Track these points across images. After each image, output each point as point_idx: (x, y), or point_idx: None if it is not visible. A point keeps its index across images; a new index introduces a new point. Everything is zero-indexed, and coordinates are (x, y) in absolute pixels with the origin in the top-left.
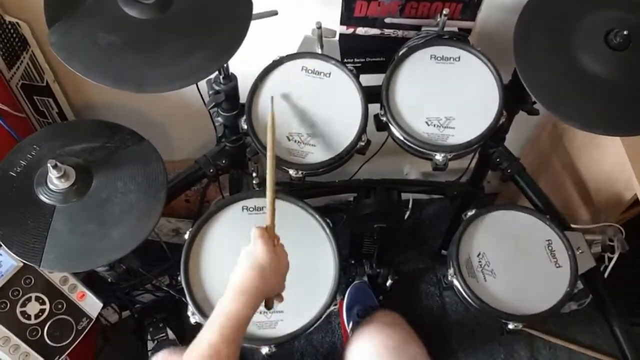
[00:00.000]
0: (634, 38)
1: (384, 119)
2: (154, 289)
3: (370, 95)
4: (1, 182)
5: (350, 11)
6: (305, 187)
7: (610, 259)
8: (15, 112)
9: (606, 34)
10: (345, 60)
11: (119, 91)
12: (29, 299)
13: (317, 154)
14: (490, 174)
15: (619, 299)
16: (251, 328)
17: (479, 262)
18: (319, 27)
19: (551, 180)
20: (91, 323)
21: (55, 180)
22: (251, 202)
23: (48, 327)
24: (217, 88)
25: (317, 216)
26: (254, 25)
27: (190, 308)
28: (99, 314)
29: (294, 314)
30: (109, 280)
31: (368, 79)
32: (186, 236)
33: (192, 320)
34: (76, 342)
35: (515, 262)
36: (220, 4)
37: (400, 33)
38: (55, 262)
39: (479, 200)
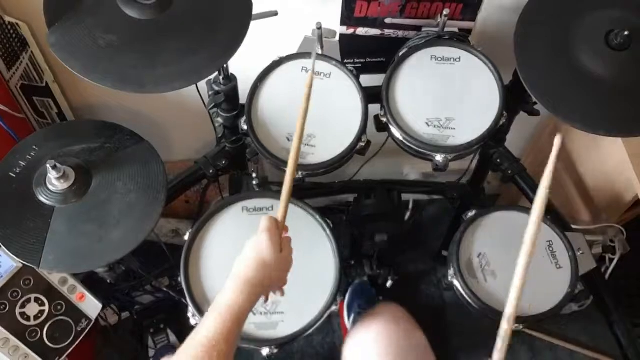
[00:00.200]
0: (635, 38)
1: (384, 119)
2: (153, 290)
3: (371, 95)
4: (0, 182)
5: (351, 11)
6: (305, 187)
7: (611, 260)
8: (14, 113)
9: (607, 34)
10: (345, 60)
11: (118, 92)
12: (29, 300)
13: (317, 155)
14: (490, 175)
15: (619, 300)
16: (251, 329)
17: (480, 262)
18: (319, 28)
19: (552, 180)
20: (91, 324)
21: (55, 181)
22: (251, 203)
23: (47, 328)
24: (217, 89)
25: (317, 217)
26: (254, 25)
27: (190, 309)
28: (99, 315)
29: (294, 314)
30: (109, 281)
31: (368, 80)
32: (186, 237)
33: (193, 321)
34: (76, 344)
35: (515, 263)
36: (220, 5)
37: (400, 33)
38: (54, 263)
39: (479, 201)
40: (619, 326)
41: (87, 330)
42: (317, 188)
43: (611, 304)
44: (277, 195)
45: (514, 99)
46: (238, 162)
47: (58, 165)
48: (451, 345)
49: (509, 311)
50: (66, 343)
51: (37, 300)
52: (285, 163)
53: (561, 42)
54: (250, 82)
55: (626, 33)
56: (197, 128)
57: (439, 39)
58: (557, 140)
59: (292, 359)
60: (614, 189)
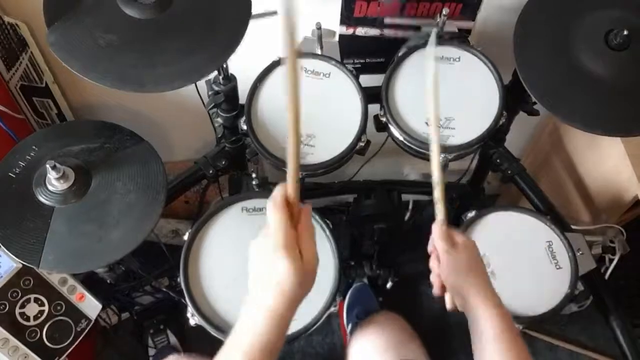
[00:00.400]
0: (634, 38)
1: (384, 119)
2: (153, 290)
3: (370, 95)
4: (0, 183)
5: (350, 11)
6: (305, 187)
7: (611, 260)
8: (14, 114)
9: (606, 34)
10: (345, 60)
11: (118, 91)
12: (28, 300)
13: (316, 155)
14: (490, 175)
15: (619, 300)
16: None
17: None
18: (319, 28)
19: (552, 181)
20: (90, 324)
21: (54, 181)
22: (251, 203)
23: (47, 329)
24: (216, 89)
25: (317, 217)
26: (253, 25)
27: (190, 309)
28: (98, 315)
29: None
30: (108, 281)
31: (368, 80)
32: (185, 237)
33: (192, 321)
34: (75, 344)
35: (515, 264)
36: (219, 4)
37: (400, 33)
38: (54, 263)
39: (479, 201)
40: (619, 326)
41: (86, 331)
42: (316, 188)
43: (611, 304)
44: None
45: (513, 99)
46: (238, 162)
47: (58, 165)
48: (451, 346)
49: (434, 178)
50: (66, 343)
51: (36, 300)
52: (284, 163)
53: (561, 41)
54: (250, 82)
55: (625, 33)
56: (197, 128)
57: (438, 39)
58: None
59: (292, 359)
60: (614, 189)
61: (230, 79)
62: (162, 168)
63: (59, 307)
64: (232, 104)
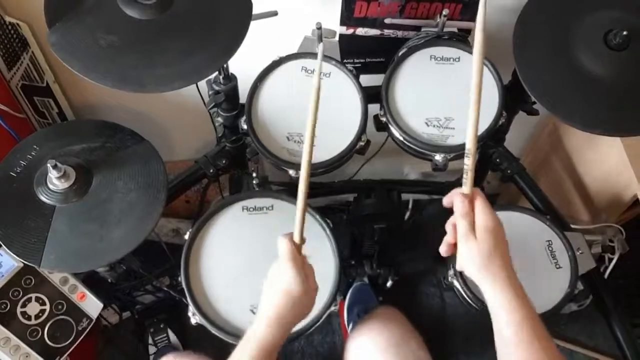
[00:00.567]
0: (634, 38)
1: (384, 119)
2: (154, 289)
3: (370, 95)
4: (1, 182)
5: (350, 12)
6: None
7: (610, 260)
8: (15, 113)
9: (606, 34)
10: (345, 60)
11: (119, 91)
12: (29, 300)
13: (316, 154)
14: (490, 175)
15: (619, 299)
16: None
17: None
18: (319, 28)
19: (551, 180)
20: (91, 324)
21: (55, 181)
22: (251, 202)
23: (48, 328)
24: (217, 88)
25: (317, 216)
26: (253, 25)
27: (191, 309)
28: (100, 314)
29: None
30: (109, 280)
31: (368, 80)
32: (186, 236)
33: (193, 320)
34: (76, 343)
35: (515, 263)
36: (220, 5)
37: (400, 33)
38: (55, 262)
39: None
40: (618, 326)
41: (88, 330)
42: (316, 187)
43: (610, 303)
44: (277, 194)
45: (513, 99)
46: (238, 161)
47: (59, 164)
48: (451, 346)
49: (468, 146)
50: (67, 342)
51: (38, 299)
52: (285, 162)
53: (560, 42)
54: (250, 82)
55: (625, 33)
56: (197, 128)
57: (438, 39)
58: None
59: (292, 358)
60: (613, 189)
61: (230, 79)
62: (162, 167)
63: (60, 307)
64: (232, 104)
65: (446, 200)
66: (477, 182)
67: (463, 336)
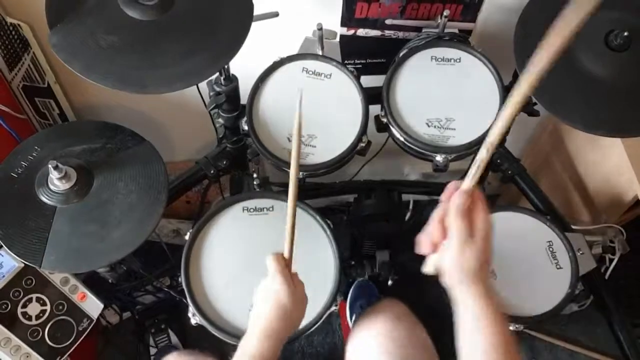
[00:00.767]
0: (634, 39)
1: (385, 120)
2: (154, 290)
3: (371, 96)
4: (2, 183)
5: (351, 13)
6: (305, 188)
7: (611, 260)
8: (16, 114)
9: (606, 35)
10: (345, 61)
11: (119, 92)
12: (30, 300)
13: (317, 155)
14: (490, 175)
15: (619, 300)
16: None
17: None
18: (320, 29)
19: (552, 181)
20: (92, 324)
21: (56, 181)
22: (252, 203)
23: (49, 328)
24: (217, 89)
25: (317, 217)
26: (255, 26)
27: (191, 309)
28: (100, 315)
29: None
30: (110, 281)
31: (369, 80)
32: (187, 237)
33: (193, 321)
34: (77, 343)
35: (515, 264)
36: (221, 6)
37: (400, 34)
38: (56, 263)
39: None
40: (619, 326)
41: (88, 330)
42: (317, 188)
43: (611, 304)
44: (277, 195)
45: None
46: (239, 162)
47: (60, 165)
48: (451, 345)
49: (491, 139)
50: (67, 343)
51: (38, 300)
52: (286, 163)
53: None
54: (251, 83)
55: (626, 34)
56: (198, 128)
57: (439, 40)
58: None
59: (292, 359)
60: (614, 190)
61: (231, 80)
62: (163, 168)
63: (60, 307)
64: (233, 105)
65: (445, 196)
66: (478, 182)
67: None
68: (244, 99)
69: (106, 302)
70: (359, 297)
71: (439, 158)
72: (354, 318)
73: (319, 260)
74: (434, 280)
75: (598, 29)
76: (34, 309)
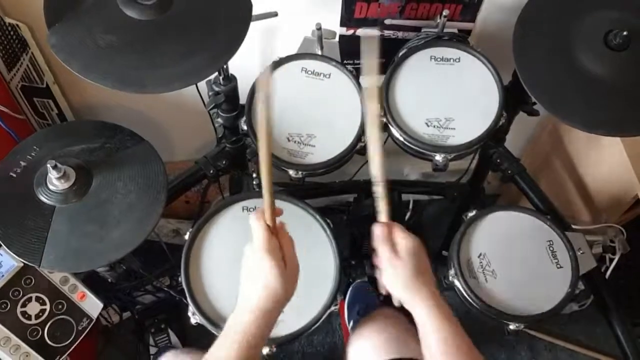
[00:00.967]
0: (634, 38)
1: (384, 119)
2: (154, 289)
3: None
4: (1, 183)
5: (350, 13)
6: (305, 187)
7: (611, 260)
8: (15, 114)
9: (606, 35)
10: (345, 61)
11: (118, 92)
12: (30, 299)
13: (317, 155)
14: (490, 175)
15: (620, 299)
16: None
17: (480, 262)
18: (319, 29)
19: (552, 181)
20: (92, 323)
21: (55, 181)
22: (251, 203)
23: (48, 328)
24: (216, 89)
25: (317, 217)
26: (254, 26)
27: (191, 309)
28: (100, 314)
29: (294, 314)
30: (110, 280)
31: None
32: (186, 237)
33: (193, 320)
34: (77, 343)
35: (516, 263)
36: (220, 5)
37: (400, 34)
38: (55, 262)
39: (479, 201)
40: (619, 326)
41: (88, 330)
42: (317, 188)
43: (611, 303)
44: (277, 195)
45: (513, 99)
46: (238, 162)
47: (58, 165)
48: None
49: (375, 173)
50: (67, 342)
51: (38, 299)
52: (285, 163)
53: (560, 42)
54: (250, 83)
55: (625, 33)
56: (197, 128)
57: (438, 40)
58: None
59: (292, 358)
60: (614, 189)
61: (230, 80)
62: (162, 168)
63: (60, 306)
64: (232, 104)
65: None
66: (478, 182)
67: None
68: (243, 98)
69: (106, 302)
70: (357, 300)
71: (438, 158)
72: (351, 324)
73: (318, 259)
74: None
75: (597, 28)
76: (33, 308)
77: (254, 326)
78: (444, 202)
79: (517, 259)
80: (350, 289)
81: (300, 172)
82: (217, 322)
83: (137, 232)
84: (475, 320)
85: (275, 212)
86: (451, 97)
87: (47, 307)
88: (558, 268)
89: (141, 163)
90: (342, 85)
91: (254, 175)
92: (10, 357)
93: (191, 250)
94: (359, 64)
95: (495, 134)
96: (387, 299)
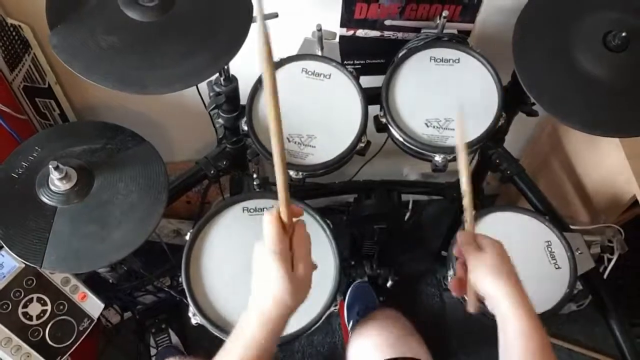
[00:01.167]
0: (632, 39)
1: (384, 120)
2: (155, 290)
3: (370, 96)
4: (3, 183)
5: (351, 13)
6: (305, 188)
7: (609, 260)
8: (17, 114)
9: (604, 36)
10: (345, 62)
11: (120, 93)
12: (31, 300)
13: (317, 155)
14: (489, 176)
15: (618, 299)
16: None
17: None
18: (319, 30)
19: (550, 181)
20: (93, 324)
21: (57, 182)
22: (252, 203)
23: (50, 328)
24: (217, 90)
25: (317, 217)
26: (254, 27)
27: (192, 309)
28: (101, 314)
29: (294, 314)
30: (111, 281)
31: (368, 81)
32: (187, 237)
33: (193, 321)
34: (78, 343)
35: (514, 263)
36: (221, 6)
37: (400, 35)
38: (56, 263)
39: (478, 201)
40: (618, 325)
41: (89, 330)
42: (317, 188)
43: (609, 303)
44: (277, 195)
45: (512, 100)
46: (239, 162)
47: (60, 166)
48: (451, 346)
49: (465, 188)
50: (68, 342)
51: (39, 300)
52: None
53: (559, 43)
54: (251, 83)
55: (624, 34)
56: (198, 129)
57: (438, 41)
58: None
59: (292, 359)
60: (612, 190)
61: (231, 80)
62: (163, 168)
63: (61, 307)
64: (233, 105)
65: (455, 250)
66: (477, 182)
67: (463, 336)
68: (243, 99)
69: (107, 302)
70: (356, 301)
71: (437, 158)
72: (351, 324)
73: (318, 260)
74: (432, 283)
75: (596, 29)
76: (34, 309)
77: (265, 330)
78: (444, 203)
79: (515, 259)
80: (350, 289)
81: (300, 173)
82: (218, 322)
83: (139, 232)
84: (475, 320)
85: (294, 212)
86: (450, 97)
87: (48, 307)
88: (556, 268)
89: (142, 163)
90: (342, 86)
91: (254, 175)
92: (12, 358)
93: (192, 250)
94: (359, 64)
95: (495, 135)
96: (387, 300)
